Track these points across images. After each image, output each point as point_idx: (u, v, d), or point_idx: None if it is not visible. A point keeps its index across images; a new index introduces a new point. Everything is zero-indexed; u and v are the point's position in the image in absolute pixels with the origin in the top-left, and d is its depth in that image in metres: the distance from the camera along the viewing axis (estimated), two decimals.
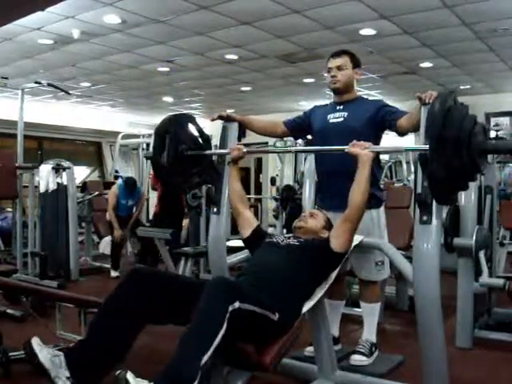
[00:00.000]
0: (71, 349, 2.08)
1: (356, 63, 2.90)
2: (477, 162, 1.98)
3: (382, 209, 2.94)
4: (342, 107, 2.90)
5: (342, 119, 2.86)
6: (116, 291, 2.16)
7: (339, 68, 2.85)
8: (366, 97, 3.15)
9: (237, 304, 1.88)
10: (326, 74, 2.95)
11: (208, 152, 2.77)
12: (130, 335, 2.10)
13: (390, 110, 2.77)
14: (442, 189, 2.05)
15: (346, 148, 2.37)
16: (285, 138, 7.08)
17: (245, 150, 2.69)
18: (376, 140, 2.89)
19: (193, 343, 1.81)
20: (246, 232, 2.65)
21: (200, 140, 2.78)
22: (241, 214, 2.68)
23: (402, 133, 2.73)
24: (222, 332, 1.81)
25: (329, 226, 2.68)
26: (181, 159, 2.65)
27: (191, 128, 2.78)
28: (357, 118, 2.82)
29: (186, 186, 2.99)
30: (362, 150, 2.33)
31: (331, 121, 2.89)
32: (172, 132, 2.67)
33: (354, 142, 2.37)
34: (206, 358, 1.77)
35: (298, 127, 3.11)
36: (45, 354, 1.97)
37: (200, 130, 2.80)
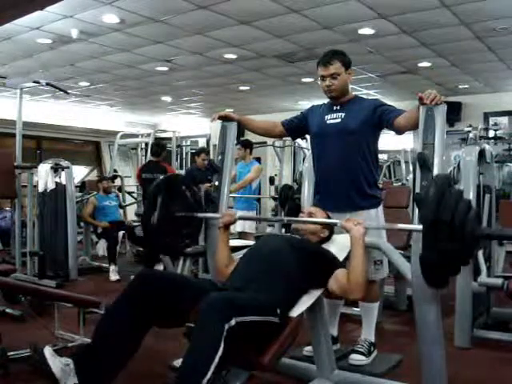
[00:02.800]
0: (79, 355, 2.08)
1: (347, 65, 2.87)
2: (470, 247, 1.97)
3: (380, 208, 2.94)
4: (338, 107, 2.90)
5: (339, 120, 2.86)
6: (121, 296, 2.15)
7: (333, 76, 2.83)
8: (363, 96, 3.15)
9: (233, 322, 1.86)
10: (319, 82, 2.93)
11: (200, 215, 2.74)
12: (136, 340, 2.11)
13: (387, 109, 2.77)
14: (434, 272, 2.04)
15: (339, 222, 2.38)
16: (283, 138, 7.10)
17: (237, 216, 2.70)
18: (373, 139, 2.89)
19: (191, 369, 1.81)
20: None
21: (193, 201, 2.75)
22: (226, 275, 2.55)
23: (399, 131, 2.74)
24: (220, 353, 1.80)
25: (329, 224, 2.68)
26: (171, 220, 2.63)
27: (184, 190, 2.76)
28: (354, 118, 2.82)
29: (172, 250, 2.98)
30: (354, 225, 2.32)
31: (329, 122, 2.89)
32: (164, 193, 2.66)
33: (348, 217, 2.39)
34: (205, 380, 1.77)
35: (296, 127, 3.11)
36: (57, 363, 1.98)
37: (193, 192, 2.77)
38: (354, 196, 2.82)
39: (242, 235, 6.14)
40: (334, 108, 2.91)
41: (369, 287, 2.97)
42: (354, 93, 3.03)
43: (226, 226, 2.63)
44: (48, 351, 2.01)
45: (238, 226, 6.36)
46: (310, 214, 2.67)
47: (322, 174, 2.97)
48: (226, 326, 1.84)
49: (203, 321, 1.87)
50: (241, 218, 2.68)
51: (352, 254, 2.32)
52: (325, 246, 2.60)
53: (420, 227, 2.00)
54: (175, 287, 2.17)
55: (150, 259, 5.85)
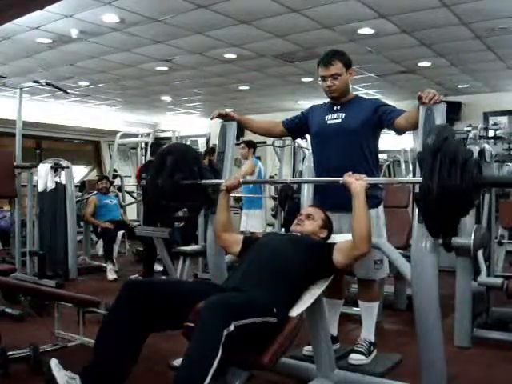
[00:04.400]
0: (84, 371, 2.08)
1: (348, 64, 2.87)
2: (470, 195, 1.98)
3: (381, 208, 2.94)
4: (339, 107, 2.90)
5: (339, 120, 2.86)
6: (114, 307, 2.17)
7: (334, 77, 2.83)
8: (363, 96, 3.14)
9: (232, 327, 1.86)
10: (319, 82, 2.92)
11: (204, 182, 2.75)
12: (135, 348, 2.12)
13: (388, 109, 2.76)
14: (434, 221, 2.04)
15: (341, 179, 2.38)
16: (283, 138, 7.10)
17: (241, 180, 2.76)
18: (374, 139, 2.89)
19: (189, 375, 1.81)
20: (237, 248, 2.62)
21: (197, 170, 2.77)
22: (224, 240, 2.67)
23: (399, 131, 2.74)
24: (218, 359, 1.81)
25: (327, 223, 2.68)
26: (175, 186, 2.65)
27: (191, 159, 2.79)
28: (354, 118, 2.82)
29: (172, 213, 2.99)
30: (356, 179, 2.33)
31: (329, 122, 2.89)
32: (174, 155, 2.69)
33: (350, 173, 2.38)
34: None
35: (296, 127, 3.11)
36: (62, 375, 2.00)
37: (200, 167, 2.80)
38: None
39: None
40: (335, 108, 2.91)
41: (369, 286, 2.99)
42: (353, 93, 3.03)
43: (228, 191, 2.68)
44: (54, 363, 2.02)
45: (241, 226, 6.42)
46: (309, 216, 2.67)
47: (322, 174, 2.97)
48: (225, 332, 1.84)
49: (202, 326, 1.87)
50: (244, 183, 2.77)
51: (353, 206, 2.32)
52: None
53: (420, 179, 2.02)
54: (160, 292, 2.17)
55: (148, 258, 5.88)
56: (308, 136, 3.63)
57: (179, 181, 2.65)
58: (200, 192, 2.77)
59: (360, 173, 2.78)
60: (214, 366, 1.80)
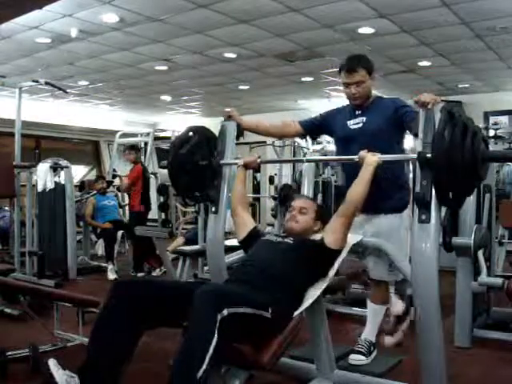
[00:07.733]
0: (81, 370, 2.08)
1: (371, 70, 2.86)
2: (478, 169, 1.99)
3: (406, 212, 2.90)
4: (360, 112, 2.89)
5: (361, 124, 2.86)
6: (105, 307, 2.17)
7: (358, 84, 2.81)
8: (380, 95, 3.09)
9: (225, 312, 1.88)
10: (342, 88, 2.89)
11: (223, 162, 2.76)
12: (129, 346, 2.11)
13: (406, 111, 2.71)
14: (443, 192, 2.07)
15: (356, 157, 2.39)
16: (283, 138, 7.09)
17: (259, 160, 2.79)
18: (397, 139, 2.87)
19: (186, 360, 1.83)
20: (242, 233, 2.67)
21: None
22: (238, 215, 2.71)
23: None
24: (214, 343, 1.82)
25: (320, 214, 2.66)
26: (193, 164, 2.70)
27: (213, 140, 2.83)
28: (376, 120, 2.81)
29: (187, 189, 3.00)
30: (371, 155, 2.34)
31: (351, 127, 2.89)
32: (199, 134, 2.76)
33: (365, 150, 2.37)
34: (201, 371, 1.78)
35: (316, 128, 3.12)
36: (61, 375, 2.00)
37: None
38: (378, 199, 2.69)
39: None
40: (356, 112, 2.90)
41: (381, 288, 2.98)
42: (373, 92, 2.99)
43: (246, 167, 2.75)
44: (52, 362, 2.02)
45: None
46: (301, 209, 2.63)
47: (347, 179, 2.95)
48: (219, 317, 1.85)
49: (196, 312, 1.88)
50: (263, 163, 2.85)
51: (360, 174, 2.35)
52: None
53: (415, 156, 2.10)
54: (150, 291, 2.18)
55: (140, 258, 5.92)
56: (308, 136, 3.63)
57: (198, 161, 2.72)
58: (213, 173, 2.81)
59: (386, 175, 2.71)
60: (211, 350, 1.80)
